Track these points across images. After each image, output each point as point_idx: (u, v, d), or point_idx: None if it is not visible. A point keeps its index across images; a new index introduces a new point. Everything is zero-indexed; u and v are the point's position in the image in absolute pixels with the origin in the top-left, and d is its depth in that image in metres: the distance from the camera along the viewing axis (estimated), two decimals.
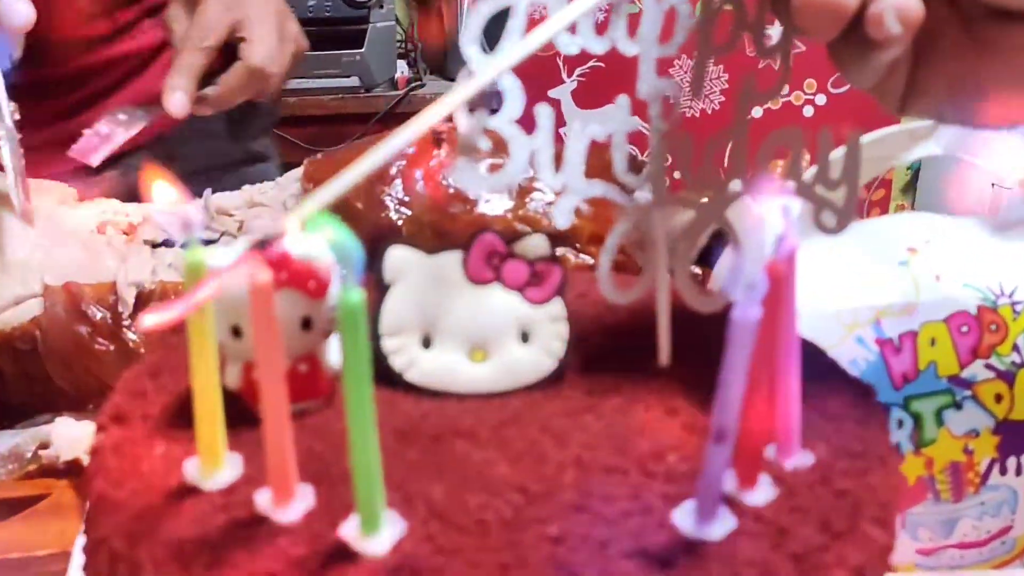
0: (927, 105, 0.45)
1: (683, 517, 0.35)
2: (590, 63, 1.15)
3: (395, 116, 2.06)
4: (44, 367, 0.76)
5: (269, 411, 0.34)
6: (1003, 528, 0.67)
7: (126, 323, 0.75)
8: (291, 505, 0.35)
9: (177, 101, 0.90)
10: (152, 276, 0.76)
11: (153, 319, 0.32)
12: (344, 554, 0.33)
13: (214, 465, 0.37)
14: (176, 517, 0.36)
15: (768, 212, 0.37)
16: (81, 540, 0.58)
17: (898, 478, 0.40)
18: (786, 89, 1.24)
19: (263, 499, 0.35)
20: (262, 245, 0.37)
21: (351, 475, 0.34)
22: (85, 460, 0.73)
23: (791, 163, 0.46)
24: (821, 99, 1.26)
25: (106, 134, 0.90)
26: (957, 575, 0.67)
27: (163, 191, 0.37)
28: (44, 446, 0.75)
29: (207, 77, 0.94)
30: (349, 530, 0.34)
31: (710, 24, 0.46)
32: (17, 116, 0.79)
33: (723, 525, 0.35)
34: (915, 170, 2.47)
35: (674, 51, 0.46)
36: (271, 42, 0.96)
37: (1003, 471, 0.65)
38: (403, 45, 2.32)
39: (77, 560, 0.58)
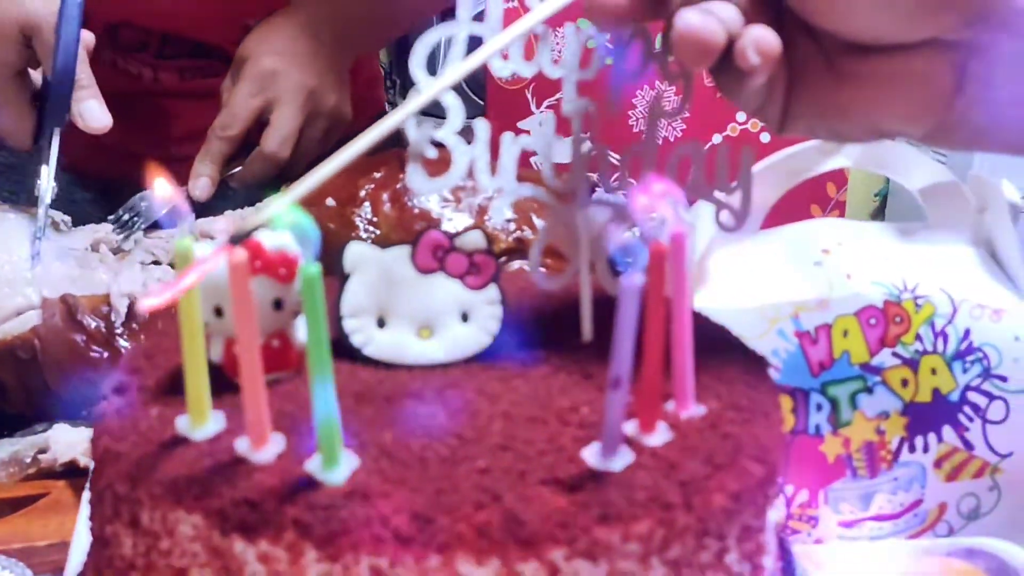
0: (801, 127, 0.53)
1: (591, 454, 0.43)
2: (557, 95, 1.23)
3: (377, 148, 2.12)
4: (42, 377, 0.83)
5: (246, 374, 0.42)
6: (915, 501, 0.74)
7: (119, 331, 0.82)
8: (265, 448, 0.42)
9: (202, 187, 0.98)
10: (143, 288, 0.83)
11: (150, 301, 0.39)
12: (309, 483, 0.40)
13: (201, 420, 0.44)
14: (169, 462, 0.43)
15: (661, 206, 0.45)
16: (82, 518, 0.64)
17: (779, 430, 0.48)
18: (743, 116, 1.32)
19: (242, 445, 0.43)
20: (238, 239, 0.44)
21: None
22: (82, 461, 0.79)
23: (695, 172, 0.54)
24: None
25: (129, 219, 0.97)
26: (876, 545, 0.74)
27: (162, 185, 0.44)
28: (42, 451, 0.81)
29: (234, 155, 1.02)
30: (313, 465, 0.41)
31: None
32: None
33: (623, 459, 0.42)
34: (882, 197, 2.56)
35: (592, 76, 0.54)
36: (290, 126, 1.00)
37: (912, 449, 0.72)
38: (384, 81, 2.40)
39: (80, 535, 0.64)
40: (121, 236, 0.91)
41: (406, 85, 2.43)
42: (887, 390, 0.71)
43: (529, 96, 1.32)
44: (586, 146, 0.54)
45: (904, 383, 0.71)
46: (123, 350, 0.81)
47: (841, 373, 0.71)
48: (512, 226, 0.91)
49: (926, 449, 0.73)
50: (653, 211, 0.42)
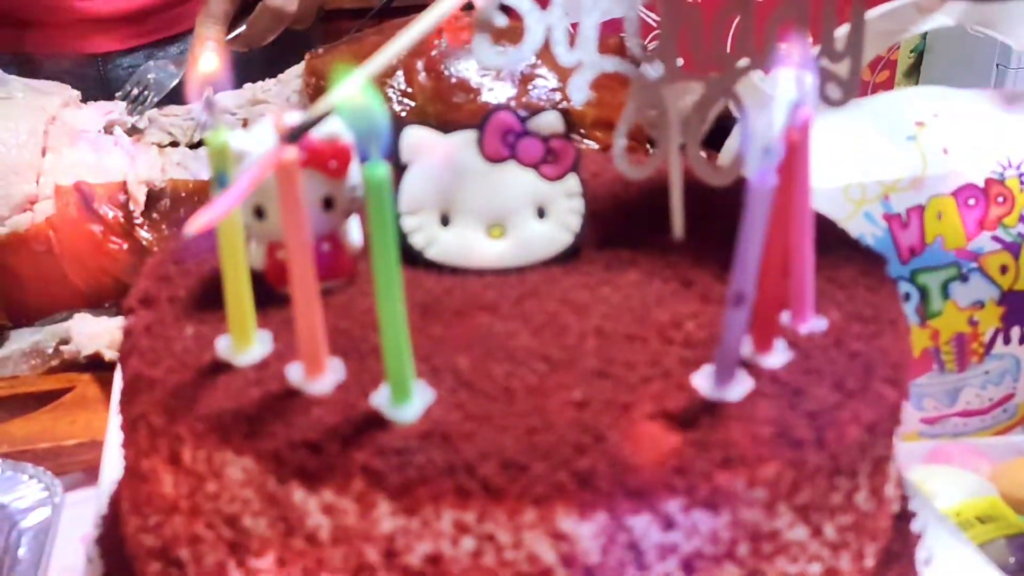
0: None
1: (702, 380, 0.36)
2: None
3: (392, 11, 2.03)
4: (59, 267, 0.77)
5: (298, 288, 0.35)
6: (1006, 396, 0.68)
7: (138, 221, 0.75)
8: (322, 378, 0.36)
9: (208, 52, 0.90)
10: (162, 174, 0.76)
11: (201, 221, 0.33)
12: (377, 422, 0.34)
13: (245, 342, 0.38)
14: (211, 392, 0.37)
15: (782, 83, 0.38)
16: (113, 422, 0.59)
17: (908, 341, 0.41)
18: None
19: (295, 373, 0.36)
20: (295, 136, 0.37)
21: (379, 348, 0.35)
22: (107, 354, 0.74)
23: (798, 35, 0.47)
24: None
25: (140, 92, 0.90)
26: (959, 441, 0.68)
27: (206, 62, 0.37)
28: (64, 342, 0.76)
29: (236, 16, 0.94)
30: (380, 399, 0.35)
31: None
32: None
33: (741, 387, 0.36)
34: (919, 52, 2.45)
35: None
36: None
37: (1007, 340, 0.66)
38: None
39: (112, 439, 0.59)
40: (134, 113, 0.84)
41: None
42: (984, 277, 0.65)
43: None
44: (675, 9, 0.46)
45: (1003, 270, 0.65)
46: (143, 241, 0.74)
47: (933, 260, 0.65)
48: (558, 95, 0.83)
49: (1022, 340, 0.67)
50: (784, 86, 0.35)
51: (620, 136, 0.45)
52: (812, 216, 0.39)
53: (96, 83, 1.08)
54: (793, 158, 0.35)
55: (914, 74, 2.50)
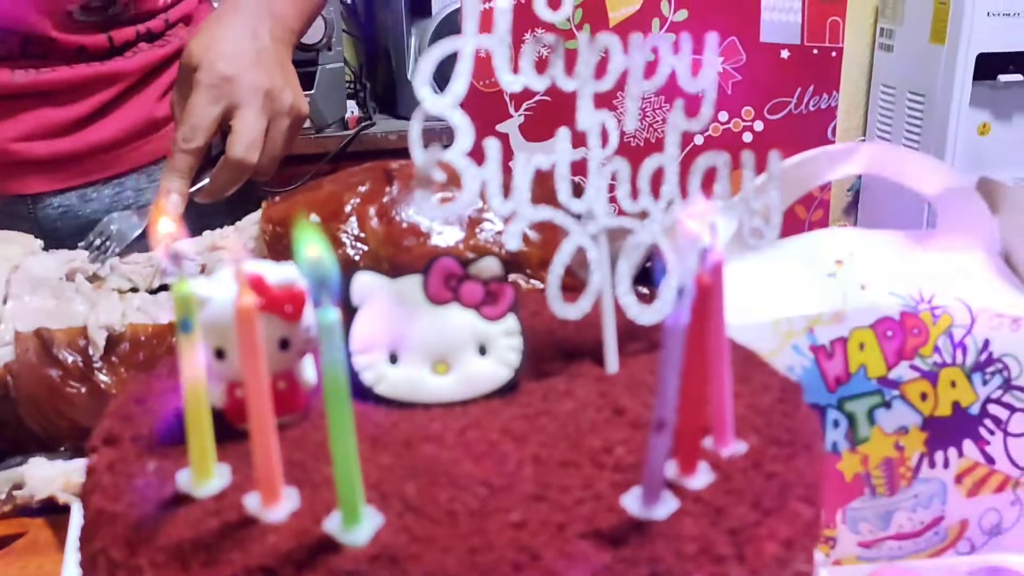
0: None
1: (631, 501, 0.39)
2: (536, 98, 1.18)
3: (346, 156, 2.09)
4: (16, 412, 0.78)
5: (256, 423, 0.38)
6: (935, 519, 0.71)
7: (97, 365, 0.77)
8: (278, 506, 0.39)
9: (172, 203, 0.94)
10: (122, 319, 0.79)
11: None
12: (329, 546, 0.37)
13: (205, 475, 0.40)
14: (172, 524, 0.39)
15: (698, 229, 0.42)
16: (67, 563, 0.60)
17: (822, 462, 0.45)
18: (725, 116, 1.30)
19: (252, 502, 0.39)
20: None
21: (331, 478, 0.37)
22: (60, 498, 0.75)
23: (719, 184, 0.51)
24: (759, 125, 1.31)
25: (102, 243, 0.93)
26: (896, 564, 0.71)
27: (165, 226, 0.40)
28: (18, 487, 0.76)
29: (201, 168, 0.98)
30: (332, 525, 0.38)
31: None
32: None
33: (667, 506, 0.39)
34: (855, 191, 2.56)
35: (609, 86, 0.51)
36: (254, 130, 0.97)
37: (932, 464, 0.70)
38: (352, 85, 2.36)
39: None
40: (95, 262, 0.87)
41: (376, 91, 2.38)
42: (906, 404, 0.69)
43: (506, 99, 1.30)
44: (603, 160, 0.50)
45: (923, 397, 0.69)
46: (102, 384, 0.76)
47: (858, 388, 0.69)
48: (504, 238, 0.87)
49: (946, 464, 0.70)
50: (698, 234, 0.39)
51: (554, 278, 0.48)
52: (728, 350, 0.42)
53: (26, 222, 1.11)
54: (705, 298, 0.39)
55: (852, 212, 2.61)
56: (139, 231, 0.95)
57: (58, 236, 1.06)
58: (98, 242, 0.91)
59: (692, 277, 0.39)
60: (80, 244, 0.92)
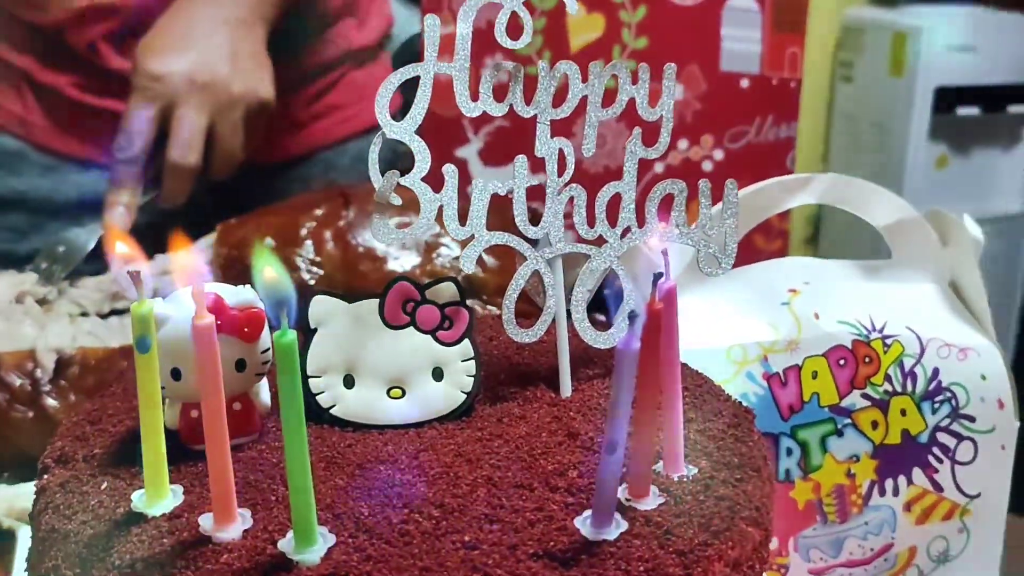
0: None
1: (583, 523, 0.40)
2: (495, 123, 1.18)
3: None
4: None
5: (212, 443, 0.38)
6: (885, 546, 0.72)
7: (45, 388, 0.76)
8: (232, 526, 0.39)
9: (119, 216, 0.92)
10: (72, 342, 0.78)
11: None
12: (282, 565, 0.37)
13: (159, 495, 0.40)
14: (125, 542, 0.39)
15: (652, 256, 0.43)
16: None
17: (772, 486, 0.46)
18: (685, 144, 1.32)
19: (206, 522, 0.39)
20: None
21: (286, 497, 0.38)
22: (3, 523, 0.74)
23: (676, 212, 0.52)
24: (719, 154, 1.33)
25: (48, 267, 0.92)
26: None
27: (121, 249, 0.40)
28: None
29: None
30: (286, 545, 0.38)
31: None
32: None
33: (617, 528, 0.40)
34: (815, 221, 2.59)
35: (567, 114, 0.52)
36: (190, 130, 0.92)
37: (882, 492, 0.71)
38: None
39: None
40: (45, 285, 0.86)
41: None
42: (857, 432, 0.70)
43: (465, 124, 1.30)
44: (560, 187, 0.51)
45: (874, 425, 0.70)
46: (50, 409, 0.75)
47: (811, 416, 0.70)
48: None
49: (896, 492, 0.71)
50: (658, 258, 0.40)
51: (509, 303, 0.49)
52: (679, 377, 0.43)
53: None
54: (658, 324, 0.40)
55: (813, 241, 2.64)
56: (88, 249, 0.92)
57: None
58: (45, 265, 0.90)
59: (645, 303, 0.39)
60: (28, 267, 0.89)
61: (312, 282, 0.87)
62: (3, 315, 0.80)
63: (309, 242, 0.88)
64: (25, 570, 0.45)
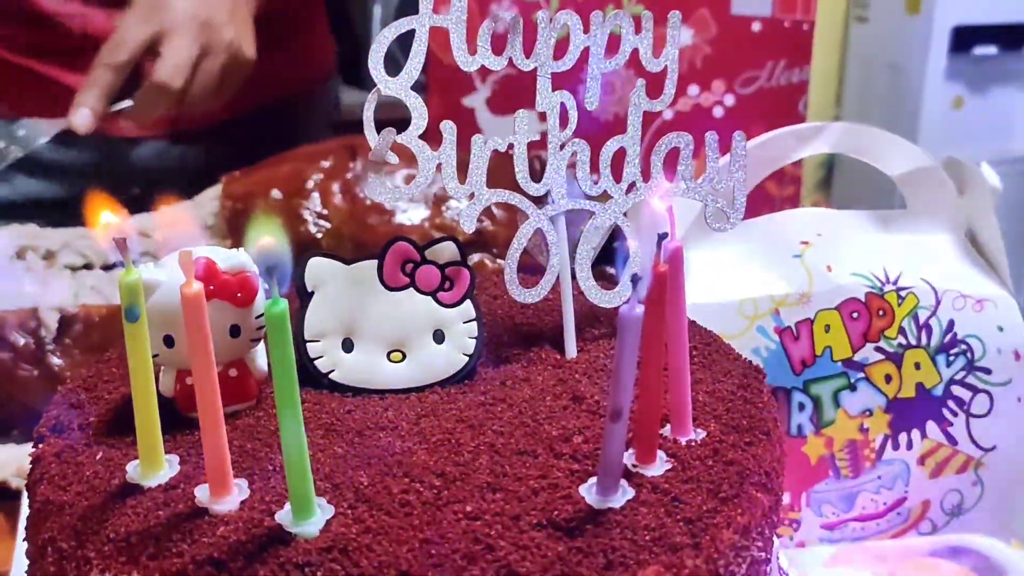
0: None
1: (588, 491, 0.39)
2: (503, 70, 1.16)
3: None
4: None
5: (205, 413, 0.37)
6: (898, 499, 0.71)
7: (49, 347, 0.76)
8: (228, 497, 0.38)
9: (82, 117, 0.90)
10: (75, 299, 0.77)
11: None
12: (280, 538, 0.36)
13: (154, 466, 0.40)
14: (120, 514, 0.38)
15: (660, 212, 0.41)
16: (20, 551, 0.59)
17: (781, 449, 0.44)
18: (695, 90, 1.29)
19: (202, 493, 0.38)
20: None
21: (283, 468, 0.37)
22: (13, 483, 0.74)
23: (682, 166, 0.51)
24: (730, 99, 1.30)
25: (4, 146, 0.90)
26: (859, 545, 0.71)
27: (107, 218, 0.39)
28: None
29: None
30: (283, 516, 0.37)
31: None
32: None
33: (623, 496, 0.39)
34: (828, 166, 2.56)
35: (569, 66, 0.50)
36: (182, 55, 0.93)
37: (895, 446, 0.70)
38: None
39: (18, 569, 0.59)
40: None
41: (340, 61, 2.34)
42: (870, 386, 0.69)
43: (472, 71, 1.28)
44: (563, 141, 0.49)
45: (888, 379, 0.69)
46: (55, 367, 0.75)
47: (824, 370, 0.68)
48: None
49: (910, 446, 0.70)
50: (662, 216, 0.39)
51: (511, 262, 0.48)
52: (686, 339, 0.42)
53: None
54: (663, 286, 0.38)
55: (825, 187, 2.61)
56: (46, 139, 0.91)
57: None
58: (2, 144, 0.88)
59: (649, 265, 0.38)
60: None
61: (319, 235, 0.86)
62: (4, 273, 0.79)
63: (316, 194, 0.87)
64: (23, 539, 0.44)
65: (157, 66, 0.93)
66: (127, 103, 0.93)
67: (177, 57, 0.93)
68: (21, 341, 0.75)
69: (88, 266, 0.83)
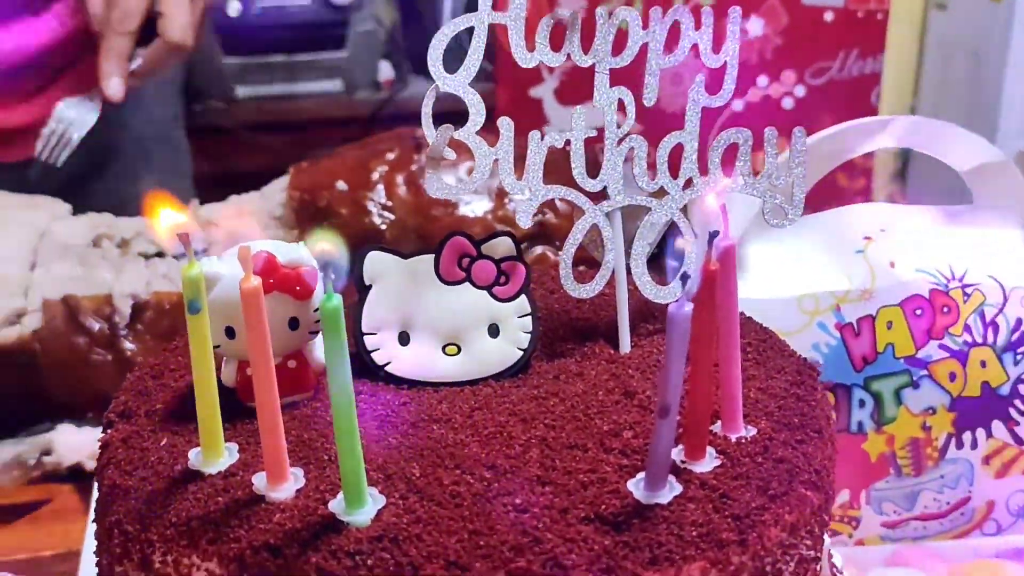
0: None
1: (636, 486, 0.39)
2: (571, 61, 1.15)
3: (380, 118, 2.06)
4: (43, 379, 0.79)
5: (262, 403, 0.38)
6: (962, 499, 0.71)
7: (123, 333, 0.78)
8: (284, 486, 0.39)
9: (114, 86, 0.92)
10: (147, 287, 0.79)
11: None
12: (333, 526, 0.37)
13: (214, 453, 0.41)
14: (182, 500, 0.40)
15: (712, 210, 0.42)
16: (91, 530, 0.61)
17: (833, 447, 0.44)
18: (765, 81, 1.28)
19: (259, 481, 0.39)
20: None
21: (337, 458, 0.38)
22: (88, 465, 0.76)
23: (740, 162, 0.51)
24: (800, 90, 1.29)
25: (63, 131, 0.92)
26: (918, 545, 0.70)
27: (168, 216, 0.40)
28: (47, 453, 0.78)
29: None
30: (336, 505, 0.38)
31: None
32: None
33: (671, 492, 0.39)
34: (904, 157, 2.51)
35: (627, 62, 0.50)
36: (186, 13, 0.95)
37: (959, 445, 0.69)
38: (386, 46, 2.31)
39: (89, 547, 0.61)
40: (56, 151, 0.87)
41: (410, 50, 2.34)
42: (934, 384, 0.68)
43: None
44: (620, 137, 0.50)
45: (952, 377, 0.68)
46: (128, 352, 0.77)
47: (885, 367, 0.68)
48: None
49: (974, 445, 0.69)
50: (717, 213, 0.39)
51: (566, 258, 0.48)
52: (737, 336, 0.42)
53: None
54: (711, 285, 0.38)
55: (900, 179, 2.56)
56: (96, 114, 0.94)
57: None
58: (60, 129, 0.90)
59: (700, 263, 0.38)
60: (38, 142, 0.91)
61: (384, 227, 0.87)
62: (81, 259, 0.81)
63: (380, 186, 0.88)
64: (92, 521, 0.46)
65: (166, 27, 0.94)
66: (137, 62, 0.95)
67: (184, 14, 0.95)
68: (96, 327, 0.77)
69: (160, 254, 0.86)
